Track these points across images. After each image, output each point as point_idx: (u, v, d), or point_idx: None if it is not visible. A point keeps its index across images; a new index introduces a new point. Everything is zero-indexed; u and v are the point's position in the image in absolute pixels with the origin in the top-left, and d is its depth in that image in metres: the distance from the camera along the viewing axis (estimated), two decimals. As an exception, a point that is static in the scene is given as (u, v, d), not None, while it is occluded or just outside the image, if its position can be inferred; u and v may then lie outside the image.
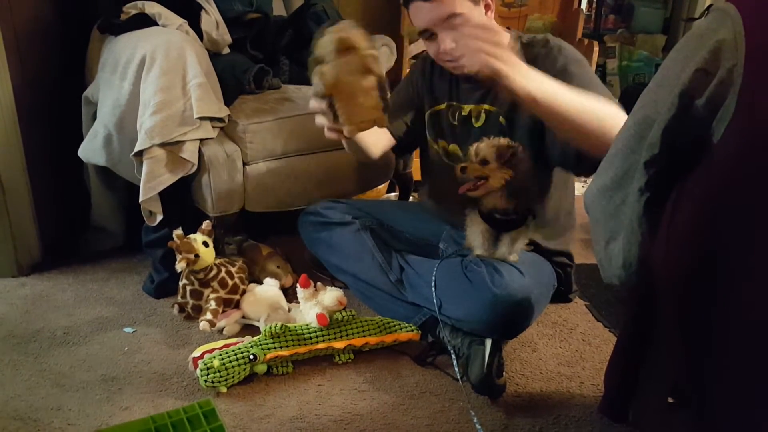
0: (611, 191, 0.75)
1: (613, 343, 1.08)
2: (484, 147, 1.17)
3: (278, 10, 2.02)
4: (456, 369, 1.16)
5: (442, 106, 1.40)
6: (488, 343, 1.14)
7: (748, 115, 0.59)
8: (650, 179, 0.68)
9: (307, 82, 1.85)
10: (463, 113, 1.35)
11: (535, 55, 1.22)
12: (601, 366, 1.20)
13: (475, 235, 1.27)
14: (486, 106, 1.31)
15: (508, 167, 1.15)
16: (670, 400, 0.97)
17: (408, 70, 1.55)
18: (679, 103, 0.65)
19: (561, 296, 1.47)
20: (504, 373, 1.15)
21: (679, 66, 0.67)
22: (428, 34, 1.24)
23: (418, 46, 2.54)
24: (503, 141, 1.18)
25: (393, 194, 2.21)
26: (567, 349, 1.32)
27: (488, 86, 1.30)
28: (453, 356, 1.18)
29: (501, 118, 1.28)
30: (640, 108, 0.73)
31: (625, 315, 0.96)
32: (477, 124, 1.32)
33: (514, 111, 1.27)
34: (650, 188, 0.68)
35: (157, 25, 1.50)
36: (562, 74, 1.10)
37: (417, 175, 2.02)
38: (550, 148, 1.20)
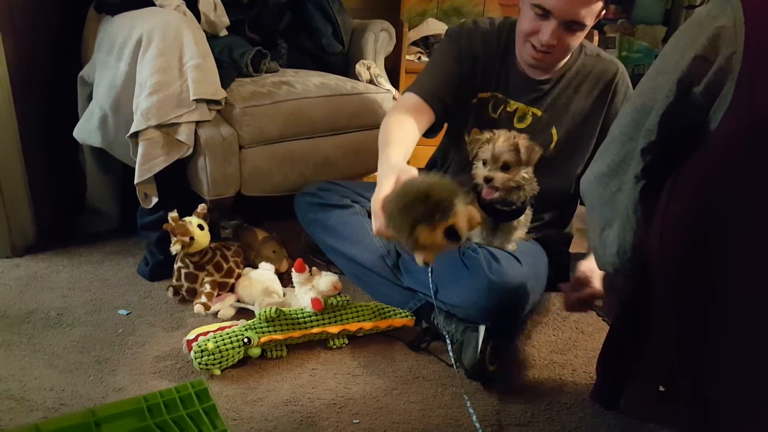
0: (608, 178, 0.75)
1: (605, 332, 1.09)
2: (503, 151, 1.12)
3: (277, -8, 1.99)
4: (450, 355, 1.16)
5: (487, 94, 1.34)
6: (482, 329, 1.14)
7: (747, 102, 0.59)
8: (647, 166, 0.68)
9: (305, 65, 1.86)
10: (508, 108, 1.31)
11: (597, 80, 1.25)
12: (594, 354, 1.21)
13: (474, 223, 1.27)
14: (535, 110, 1.29)
15: (526, 166, 1.15)
16: (661, 388, 0.98)
17: (443, 39, 1.39)
18: (678, 90, 0.65)
19: (557, 285, 1.47)
20: (497, 360, 1.15)
21: (679, 53, 0.66)
22: (543, 13, 1.17)
23: (417, 32, 2.52)
24: (521, 140, 1.15)
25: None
26: (560, 337, 1.33)
27: (547, 90, 1.28)
28: (447, 342, 1.18)
29: (553, 129, 1.26)
30: (639, 95, 0.72)
31: (619, 303, 0.96)
32: (520, 125, 1.29)
33: (571, 125, 1.26)
34: (646, 175, 0.68)
35: (154, 5, 1.48)
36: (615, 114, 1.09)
37: (414, 162, 2.01)
38: None
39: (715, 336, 0.64)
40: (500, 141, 1.14)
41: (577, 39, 1.22)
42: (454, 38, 1.36)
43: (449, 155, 1.44)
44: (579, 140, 1.32)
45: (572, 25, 1.17)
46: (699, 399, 0.69)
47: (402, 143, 1.16)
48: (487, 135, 1.18)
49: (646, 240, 0.69)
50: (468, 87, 1.34)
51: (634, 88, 0.75)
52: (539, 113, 1.28)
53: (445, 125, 1.44)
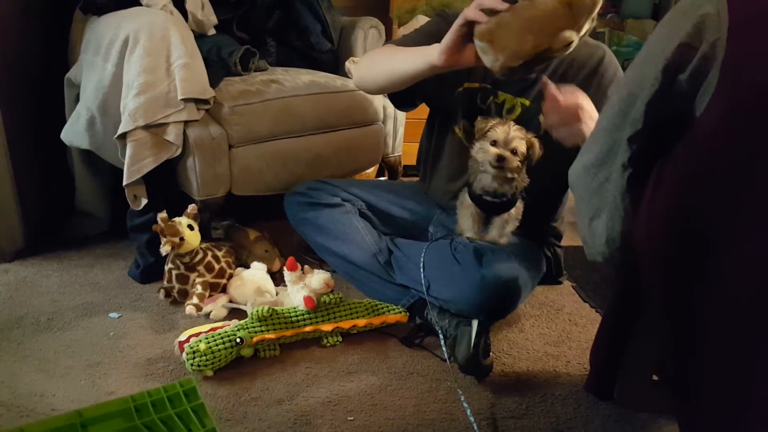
0: (596, 168, 0.75)
1: (598, 323, 1.09)
2: (516, 137, 1.14)
3: (265, -9, 1.98)
4: (444, 350, 1.16)
5: (475, 85, 1.32)
6: (475, 323, 1.14)
7: (731, 88, 0.59)
8: (633, 155, 0.68)
9: (295, 63, 1.85)
10: (497, 100, 1.30)
11: (582, 65, 1.24)
12: (587, 345, 1.21)
13: (466, 217, 1.27)
14: (522, 100, 1.28)
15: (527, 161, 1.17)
16: (654, 377, 0.98)
17: (434, 17, 1.39)
18: (663, 78, 0.65)
19: (551, 279, 1.47)
20: (491, 354, 1.16)
21: (664, 41, 0.66)
22: None
23: (407, 29, 2.52)
24: (534, 138, 1.16)
25: (382, 178, 2.21)
26: (554, 330, 1.33)
27: (533, 79, 1.27)
28: (441, 337, 1.18)
29: (541, 117, 1.24)
30: (625, 85, 0.72)
31: (610, 293, 0.96)
32: (510, 116, 1.28)
33: None
34: (633, 164, 0.68)
35: (140, 5, 1.47)
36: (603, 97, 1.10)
37: (405, 159, 2.01)
38: None
39: (704, 322, 0.64)
40: (514, 128, 1.16)
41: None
42: (445, 20, 1.33)
43: (442, 147, 1.42)
44: None
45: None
46: (689, 387, 0.69)
47: None
48: (497, 120, 1.18)
49: (633, 228, 0.69)
50: (453, 73, 1.30)
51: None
52: (528, 103, 1.28)
53: (433, 124, 1.44)
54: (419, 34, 1.33)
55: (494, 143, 1.15)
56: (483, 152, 1.16)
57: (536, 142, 1.16)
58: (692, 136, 0.62)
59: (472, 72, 1.31)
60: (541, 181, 1.23)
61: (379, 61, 1.29)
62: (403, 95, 1.35)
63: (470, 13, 1.00)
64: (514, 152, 1.14)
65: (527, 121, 1.25)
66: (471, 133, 1.32)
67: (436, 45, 1.08)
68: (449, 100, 1.35)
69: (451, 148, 1.39)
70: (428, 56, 1.10)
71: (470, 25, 1.02)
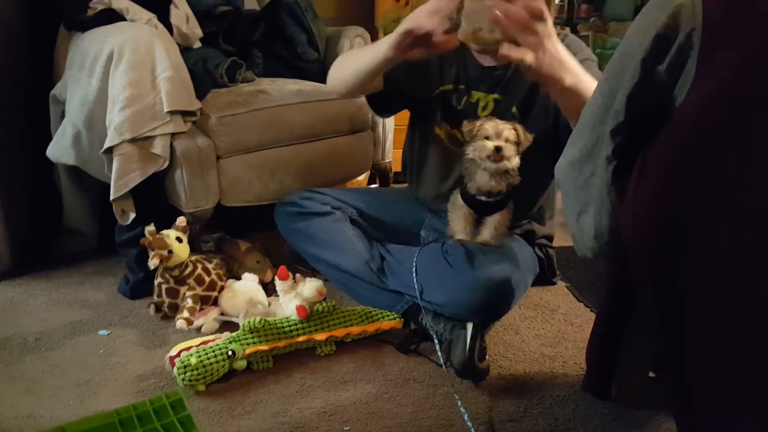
0: (581, 164, 0.74)
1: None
2: (504, 128, 1.17)
3: (250, 3, 2.00)
4: (439, 355, 1.15)
5: (449, 87, 1.35)
6: (470, 327, 1.13)
7: (709, 77, 0.59)
8: (617, 147, 0.68)
9: (282, 74, 1.85)
10: (471, 99, 1.32)
11: None
12: (583, 345, 1.19)
13: (458, 219, 1.27)
14: (496, 96, 1.30)
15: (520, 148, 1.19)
16: (651, 374, 0.97)
17: None
18: (642, 70, 0.65)
19: (545, 280, 1.47)
20: (487, 357, 1.15)
21: (641, 34, 0.66)
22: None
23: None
24: (517, 124, 1.19)
25: (373, 186, 2.20)
26: (549, 330, 1.32)
27: (500, 75, 1.29)
28: (436, 342, 1.17)
29: (513, 109, 1.27)
30: (606, 80, 0.73)
31: (603, 291, 0.96)
32: (483, 113, 1.30)
33: (527, 101, 1.26)
34: (617, 156, 0.68)
35: (125, 20, 1.47)
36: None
37: (396, 166, 2.01)
38: (563, 131, 1.16)
39: (691, 315, 0.63)
40: (499, 121, 1.19)
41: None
42: None
43: (426, 151, 1.43)
44: (538, 110, 1.29)
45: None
46: (681, 382, 0.69)
47: None
48: (482, 118, 1.21)
49: (619, 220, 0.68)
50: (429, 79, 1.36)
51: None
52: (499, 98, 1.29)
53: (412, 127, 1.47)
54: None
55: (488, 138, 1.17)
56: (479, 149, 1.18)
57: (521, 128, 1.19)
58: (673, 126, 0.62)
59: (444, 76, 1.35)
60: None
61: (345, 62, 1.35)
62: (379, 100, 1.41)
63: (409, 24, 1.08)
64: (508, 141, 1.17)
65: (502, 114, 1.27)
66: (453, 135, 1.34)
67: (385, 39, 1.16)
68: (426, 104, 1.38)
69: (435, 152, 1.40)
70: (380, 51, 1.16)
71: (412, 35, 1.07)
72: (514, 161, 1.19)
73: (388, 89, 1.36)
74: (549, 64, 0.95)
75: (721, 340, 0.62)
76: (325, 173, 1.67)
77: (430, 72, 1.36)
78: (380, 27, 2.43)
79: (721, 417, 0.63)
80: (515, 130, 1.18)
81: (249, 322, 1.16)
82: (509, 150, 1.17)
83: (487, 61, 1.30)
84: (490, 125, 1.18)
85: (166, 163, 1.37)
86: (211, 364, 1.09)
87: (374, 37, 2.20)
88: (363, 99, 1.76)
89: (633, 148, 0.67)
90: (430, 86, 1.36)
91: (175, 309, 1.33)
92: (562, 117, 1.14)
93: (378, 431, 1.00)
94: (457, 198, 1.27)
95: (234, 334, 1.17)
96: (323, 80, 1.87)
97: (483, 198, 1.22)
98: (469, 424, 0.99)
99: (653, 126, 0.65)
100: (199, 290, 1.34)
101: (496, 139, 1.17)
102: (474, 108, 1.32)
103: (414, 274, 1.22)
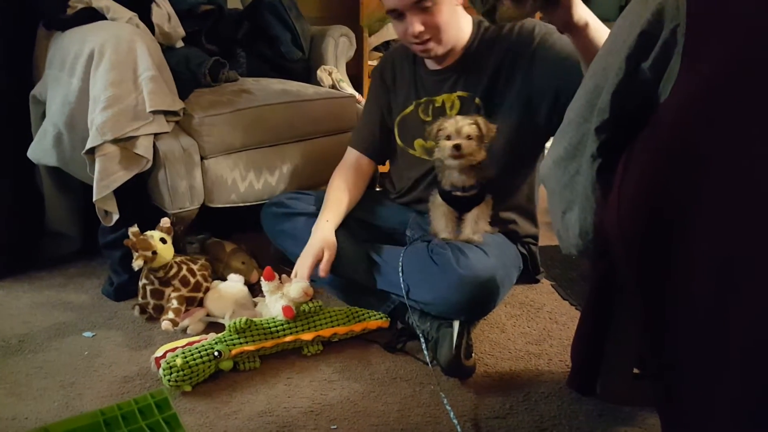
0: (566, 162, 0.75)
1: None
2: (464, 124, 1.19)
3: (233, 2, 1.98)
4: (426, 353, 1.15)
5: (410, 108, 1.39)
6: (456, 324, 1.14)
7: (692, 74, 0.60)
8: (602, 144, 0.69)
9: (266, 74, 1.84)
10: (436, 105, 1.34)
11: (511, 35, 1.26)
12: (568, 342, 1.20)
13: (439, 218, 1.27)
14: (459, 93, 1.31)
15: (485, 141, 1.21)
16: (636, 371, 0.98)
17: (370, 86, 1.55)
18: (626, 66, 0.65)
19: (529, 278, 1.48)
20: (473, 355, 1.15)
21: (626, 31, 0.67)
22: (397, 14, 1.23)
23: (378, 37, 2.53)
24: (478, 117, 1.21)
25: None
26: (534, 328, 1.33)
27: (454, 71, 1.31)
28: (422, 341, 1.17)
29: (477, 100, 1.29)
30: (591, 77, 0.73)
31: (588, 289, 0.97)
32: (452, 113, 1.32)
33: (489, 91, 1.28)
34: (602, 153, 0.69)
35: (105, 19, 1.45)
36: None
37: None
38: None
39: (675, 310, 0.64)
40: (459, 118, 1.21)
41: (441, 12, 1.20)
42: (377, 75, 1.49)
43: (402, 167, 1.46)
44: (500, 95, 1.29)
45: (420, 5, 1.18)
46: (664, 378, 0.69)
47: (337, 209, 1.37)
48: (442, 118, 1.23)
49: (604, 216, 0.69)
50: (393, 112, 1.44)
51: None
52: (464, 94, 1.31)
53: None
54: (368, 104, 1.50)
55: (448, 137, 1.20)
56: (441, 149, 1.21)
57: (482, 120, 1.20)
58: (657, 122, 0.63)
59: (400, 102, 1.41)
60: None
61: (326, 192, 1.43)
62: (384, 155, 1.51)
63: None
64: (469, 138, 1.19)
65: (467, 108, 1.30)
66: (428, 148, 1.36)
67: (313, 242, 1.30)
68: (398, 129, 1.43)
69: (416, 168, 1.41)
70: (310, 243, 1.30)
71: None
72: (480, 155, 1.20)
73: (377, 157, 1.50)
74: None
75: (703, 336, 0.63)
76: (310, 174, 1.66)
77: (393, 103, 1.43)
78: (365, 26, 2.42)
79: (705, 412, 0.64)
80: (476, 124, 1.19)
81: (234, 323, 1.15)
82: (469, 147, 1.18)
83: (439, 63, 1.33)
84: (450, 123, 1.20)
85: (149, 164, 1.36)
86: (197, 364, 1.08)
87: (359, 37, 2.19)
88: (348, 99, 1.77)
89: (618, 145, 0.68)
90: (392, 118, 1.44)
91: (160, 310, 1.31)
92: (561, 101, 1.14)
93: (365, 430, 1.00)
94: (436, 197, 1.29)
95: (220, 335, 1.16)
96: (308, 80, 1.88)
97: (459, 193, 1.24)
98: (455, 421, 0.99)
99: (638, 123, 0.65)
100: (184, 291, 1.33)
101: (457, 137, 1.18)
102: (442, 111, 1.34)
103: (400, 274, 1.23)
